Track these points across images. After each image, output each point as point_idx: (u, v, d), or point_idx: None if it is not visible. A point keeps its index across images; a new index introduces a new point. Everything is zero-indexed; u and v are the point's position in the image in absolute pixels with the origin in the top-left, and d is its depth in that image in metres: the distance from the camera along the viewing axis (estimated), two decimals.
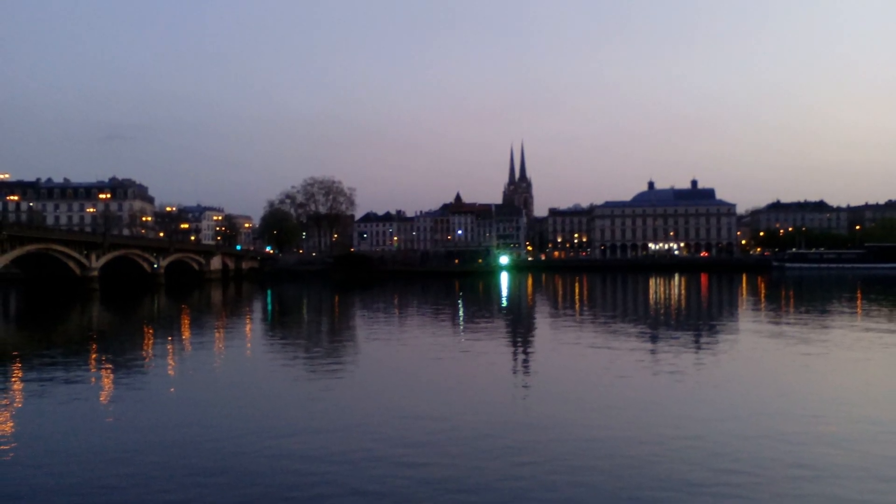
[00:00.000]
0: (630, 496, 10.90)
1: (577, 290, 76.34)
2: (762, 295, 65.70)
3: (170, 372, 23.94)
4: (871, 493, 10.93)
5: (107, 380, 22.30)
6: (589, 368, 23.42)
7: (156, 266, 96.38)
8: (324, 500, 10.93)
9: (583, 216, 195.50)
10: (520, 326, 40.28)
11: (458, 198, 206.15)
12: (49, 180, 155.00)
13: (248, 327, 41.59)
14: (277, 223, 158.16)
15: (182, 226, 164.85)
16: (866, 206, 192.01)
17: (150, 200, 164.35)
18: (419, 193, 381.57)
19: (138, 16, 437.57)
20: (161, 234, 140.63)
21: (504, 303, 59.87)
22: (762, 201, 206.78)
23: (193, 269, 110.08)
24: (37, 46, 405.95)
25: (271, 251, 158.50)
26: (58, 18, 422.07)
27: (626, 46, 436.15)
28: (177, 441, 14.26)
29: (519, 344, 31.23)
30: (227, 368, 25.00)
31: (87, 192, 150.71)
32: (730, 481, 11.41)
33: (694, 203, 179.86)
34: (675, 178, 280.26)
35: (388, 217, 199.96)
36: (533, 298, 64.80)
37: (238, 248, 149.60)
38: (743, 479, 11.50)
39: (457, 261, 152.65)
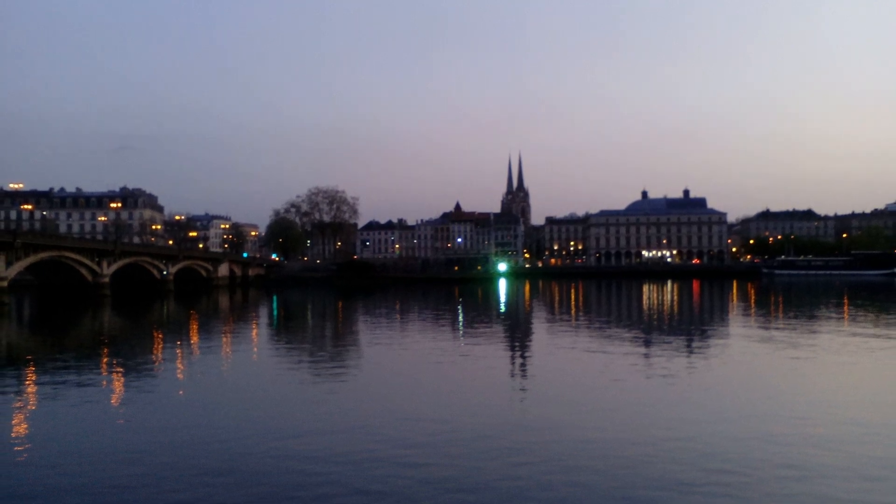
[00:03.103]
0: (624, 495, 11.11)
1: (572, 297, 76.66)
2: (752, 301, 65.89)
3: (179, 375, 24.28)
4: (856, 492, 11.18)
5: (118, 383, 22.64)
6: (584, 372, 23.73)
7: (165, 273, 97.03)
8: (328, 499, 11.13)
9: (578, 224, 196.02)
10: (517, 331, 40.53)
11: (457, 207, 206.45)
12: (62, 190, 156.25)
13: (254, 332, 41.90)
14: (283, 231, 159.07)
15: (190, 234, 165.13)
16: (853, 215, 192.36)
17: (160, 209, 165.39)
18: (420, 202, 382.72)
19: (148, 30, 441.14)
20: (170, 242, 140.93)
21: (502, 308, 60.04)
22: (752, 210, 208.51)
23: (201, 275, 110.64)
24: (50, 60, 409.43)
25: (277, 258, 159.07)
26: (70, 33, 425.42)
27: (621, 60, 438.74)
28: (186, 442, 14.55)
29: (516, 348, 31.45)
30: (234, 372, 25.30)
31: (98, 201, 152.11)
32: (720, 481, 11.63)
33: (686, 212, 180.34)
34: (667, 188, 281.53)
35: (389, 225, 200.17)
36: (530, 304, 64.91)
37: (245, 255, 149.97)
38: (733, 479, 11.72)
39: (456, 268, 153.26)
